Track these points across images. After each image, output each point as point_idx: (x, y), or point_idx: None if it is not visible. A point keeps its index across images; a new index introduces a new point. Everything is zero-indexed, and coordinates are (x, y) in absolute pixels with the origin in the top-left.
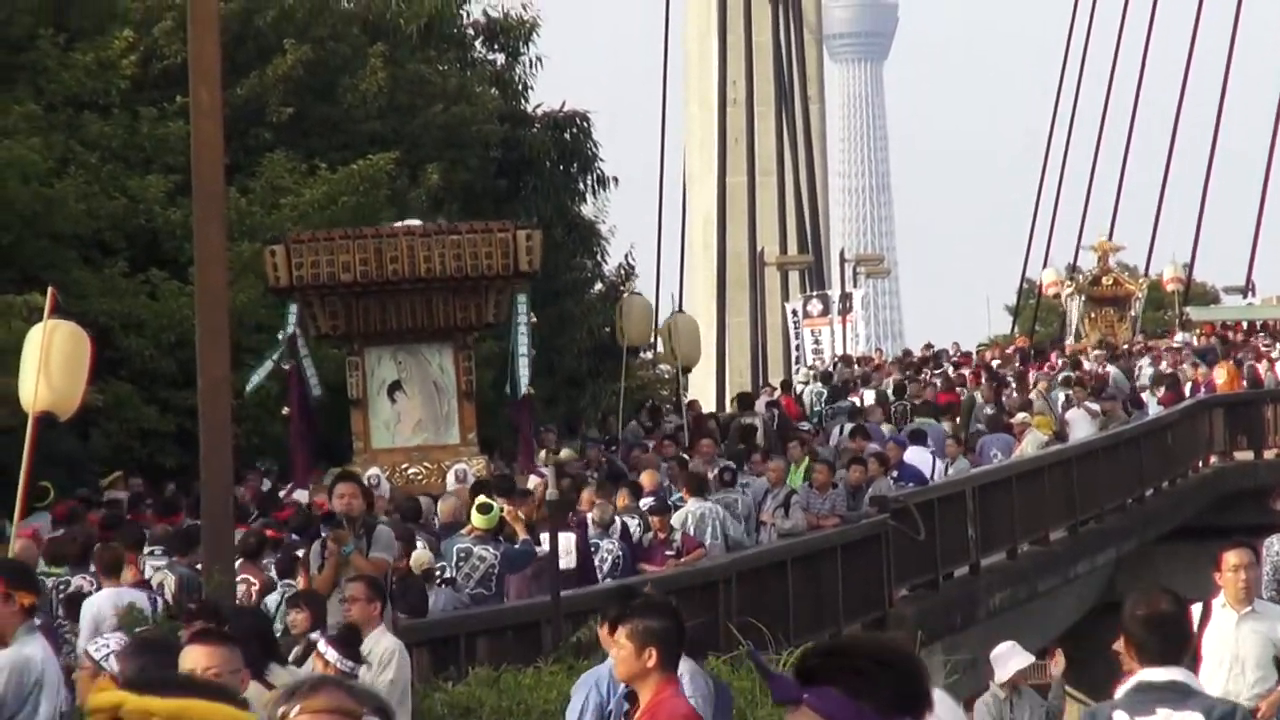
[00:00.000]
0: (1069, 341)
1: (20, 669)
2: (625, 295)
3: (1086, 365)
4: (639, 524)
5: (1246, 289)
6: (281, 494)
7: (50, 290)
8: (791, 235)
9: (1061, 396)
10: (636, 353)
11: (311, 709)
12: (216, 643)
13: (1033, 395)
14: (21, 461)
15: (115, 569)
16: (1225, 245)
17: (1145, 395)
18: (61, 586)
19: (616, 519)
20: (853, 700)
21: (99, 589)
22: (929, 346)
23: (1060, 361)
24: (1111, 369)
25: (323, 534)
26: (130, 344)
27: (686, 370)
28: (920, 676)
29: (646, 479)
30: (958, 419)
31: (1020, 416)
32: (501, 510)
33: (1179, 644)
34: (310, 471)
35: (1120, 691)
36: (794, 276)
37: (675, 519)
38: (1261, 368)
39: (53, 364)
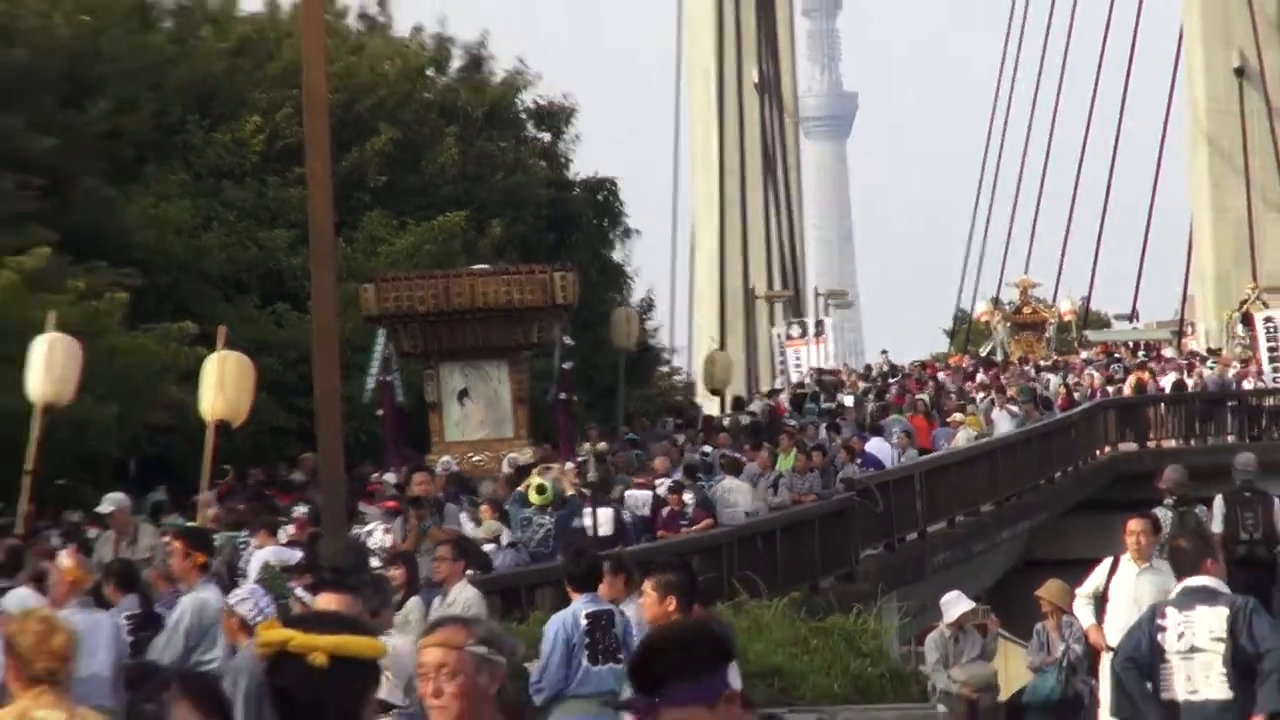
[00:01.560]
0: (998, 358)
1: (199, 609)
2: (615, 309)
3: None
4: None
5: (1132, 316)
6: (374, 477)
7: (221, 328)
8: (775, 275)
9: (985, 401)
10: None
11: (431, 642)
12: (345, 591)
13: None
14: (188, 455)
15: (273, 531)
16: (1116, 280)
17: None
18: (240, 545)
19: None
20: (690, 681)
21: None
22: (884, 352)
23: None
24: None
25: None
26: (262, 362)
27: (718, 393)
28: (710, 633)
29: (660, 464)
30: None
31: (955, 416)
32: (552, 486)
33: (1197, 566)
34: (399, 460)
35: (1171, 594)
36: (778, 307)
37: (717, 489)
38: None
39: (226, 383)
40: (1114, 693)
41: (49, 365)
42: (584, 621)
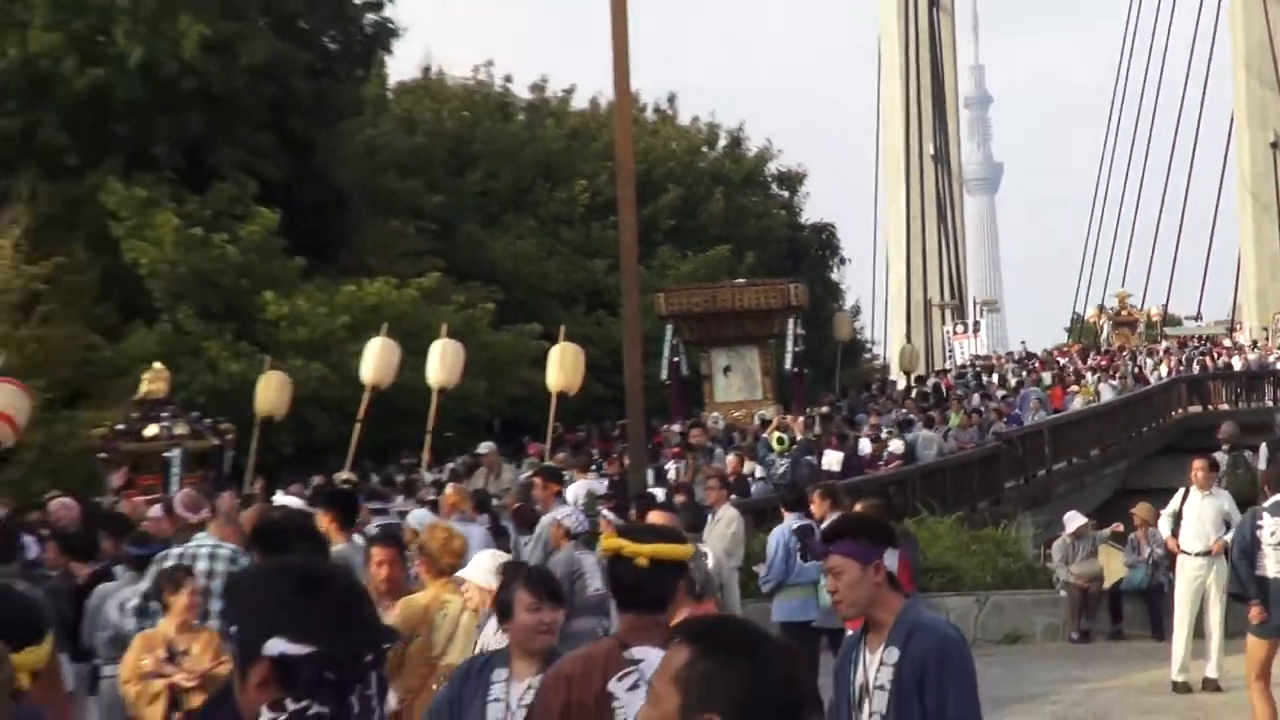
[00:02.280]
0: (1104, 348)
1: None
2: (835, 313)
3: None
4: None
5: (1198, 316)
6: (663, 429)
7: (562, 328)
8: (946, 289)
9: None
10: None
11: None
12: (668, 511)
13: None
14: (535, 417)
15: (586, 469)
16: (1186, 290)
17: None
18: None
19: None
20: (852, 541)
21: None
22: (1023, 343)
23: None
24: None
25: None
26: (588, 351)
27: (908, 373)
28: (883, 526)
29: (873, 421)
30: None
31: (1073, 387)
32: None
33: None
34: (683, 417)
35: (1265, 504)
36: (947, 312)
37: (917, 439)
38: (1209, 360)
39: (565, 366)
40: (1230, 573)
41: (442, 359)
42: (794, 532)
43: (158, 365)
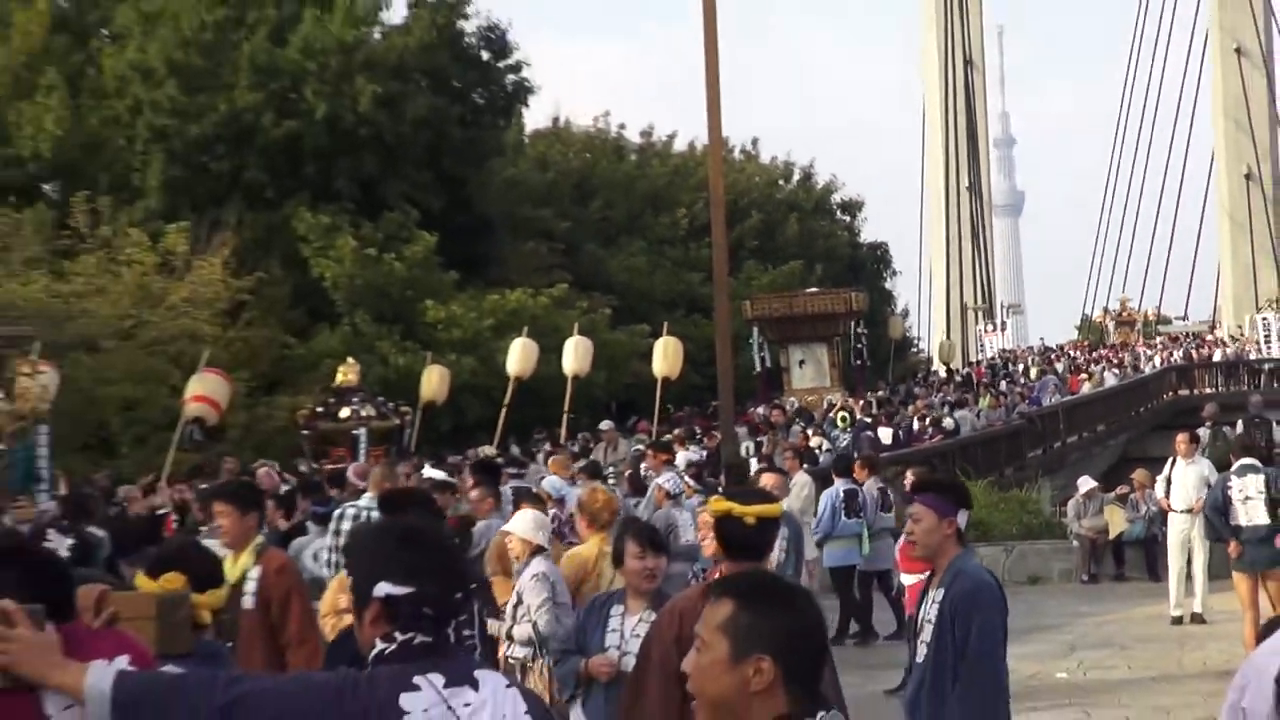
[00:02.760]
0: (1108, 343)
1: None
2: (889, 316)
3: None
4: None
5: (1185, 316)
6: (751, 410)
7: (665, 326)
8: (978, 294)
9: (1099, 367)
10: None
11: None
12: (777, 473)
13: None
14: (645, 401)
15: (685, 442)
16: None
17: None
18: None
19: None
20: (934, 495)
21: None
22: (1041, 339)
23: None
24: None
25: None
26: (687, 347)
27: (946, 364)
28: (963, 490)
29: (920, 403)
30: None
31: (1081, 375)
32: (850, 415)
33: (1251, 450)
34: (766, 400)
35: (1233, 468)
36: (980, 313)
37: (959, 418)
38: (1195, 352)
39: (668, 357)
40: (1206, 522)
41: (576, 353)
42: (841, 494)
43: (350, 359)
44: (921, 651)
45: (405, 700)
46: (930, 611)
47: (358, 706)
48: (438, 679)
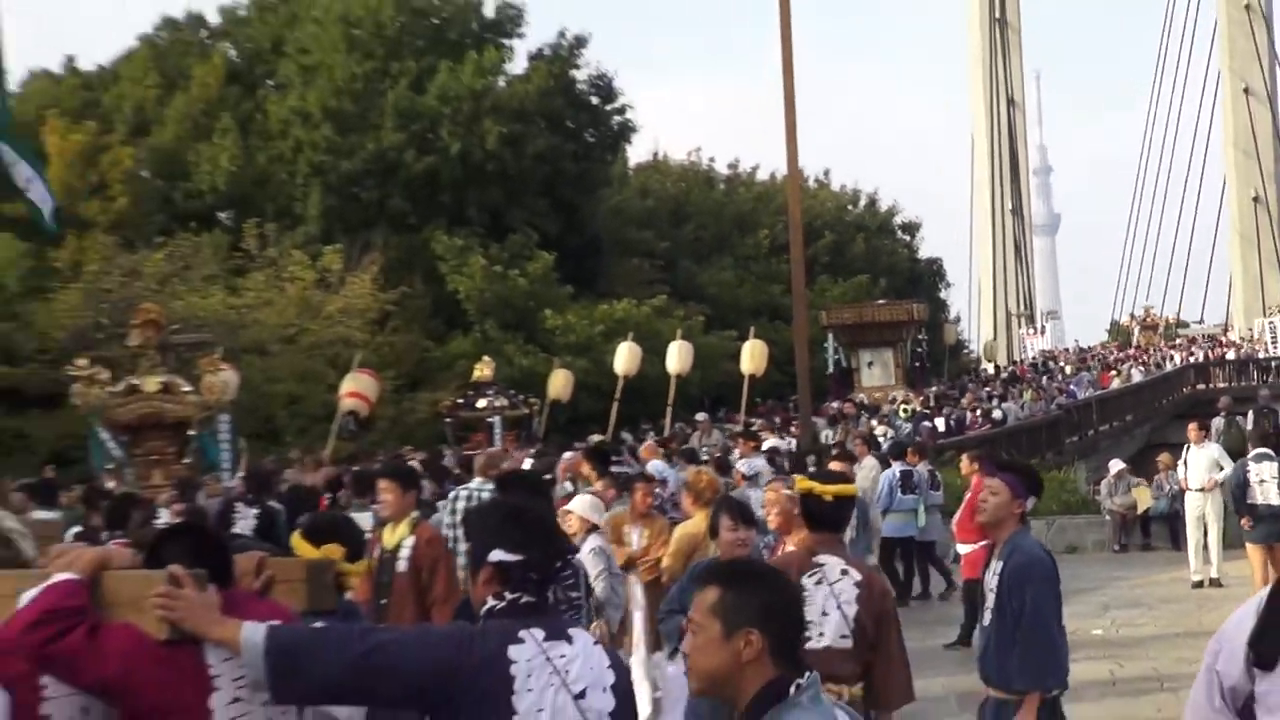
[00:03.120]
0: (1135, 344)
1: (750, 471)
2: (944, 323)
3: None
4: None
5: (1201, 320)
6: (825, 404)
7: (751, 329)
8: (1021, 302)
9: (1127, 366)
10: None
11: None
12: (847, 461)
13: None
14: (734, 395)
15: (771, 431)
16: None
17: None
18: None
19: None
20: (1012, 476)
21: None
22: (1076, 341)
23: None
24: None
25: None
26: (771, 350)
27: (992, 362)
28: (1038, 479)
29: (969, 398)
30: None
31: (1110, 372)
32: (911, 408)
33: (1266, 439)
34: (839, 396)
35: (1250, 455)
36: (1022, 319)
37: (1005, 409)
38: (1210, 352)
39: (755, 357)
40: (1231, 500)
41: (679, 355)
42: (898, 474)
43: (486, 358)
44: (987, 616)
45: (512, 651)
46: (991, 581)
47: (473, 655)
48: (539, 633)
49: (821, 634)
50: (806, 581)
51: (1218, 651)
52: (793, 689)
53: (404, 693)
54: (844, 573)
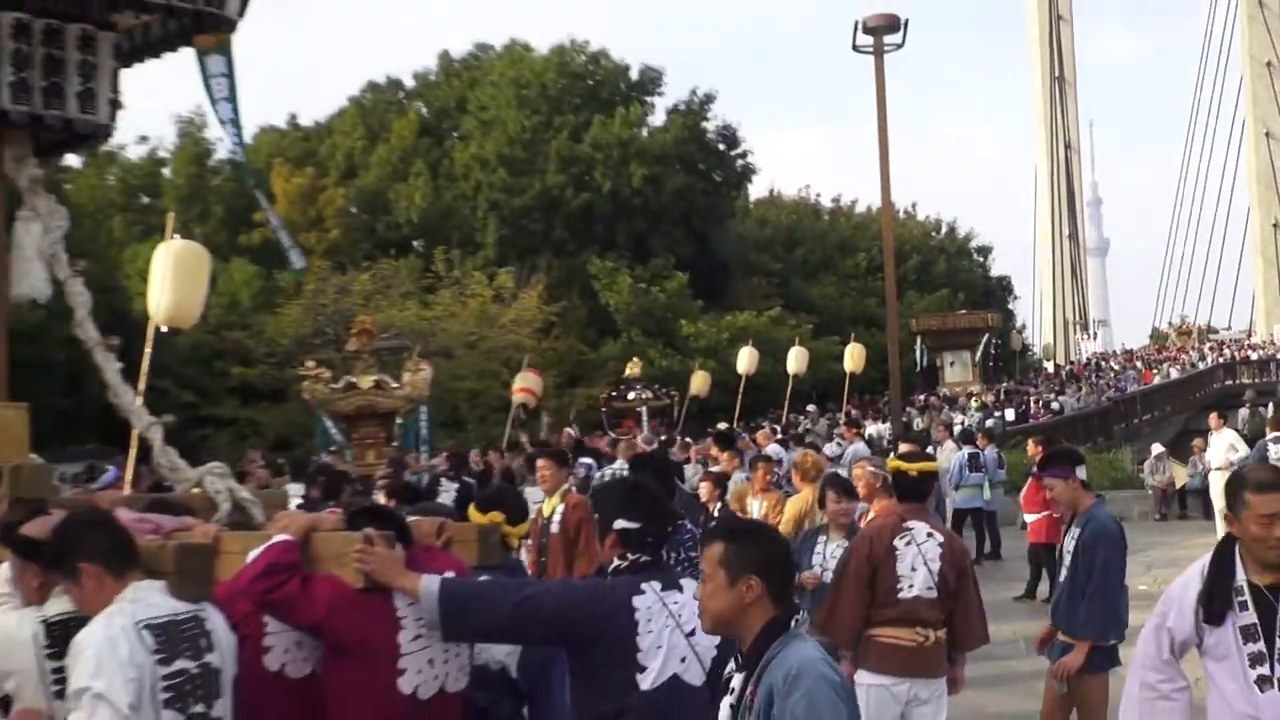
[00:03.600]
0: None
1: (853, 457)
2: (1010, 330)
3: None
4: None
5: (1229, 326)
6: (913, 397)
7: (851, 336)
8: (1076, 311)
9: (1166, 364)
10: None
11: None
12: (912, 443)
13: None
14: (833, 390)
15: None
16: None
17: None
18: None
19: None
20: (1058, 465)
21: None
22: (1123, 344)
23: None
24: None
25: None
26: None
27: (1052, 361)
28: (1072, 452)
29: (1033, 393)
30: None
31: (1151, 370)
32: (981, 400)
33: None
34: (926, 390)
35: (1269, 437)
36: (1077, 326)
37: (1062, 401)
38: (1236, 354)
39: (855, 357)
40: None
41: (796, 359)
42: (966, 456)
43: (635, 359)
44: (1063, 574)
45: (636, 600)
46: (1069, 545)
47: (605, 604)
48: (656, 585)
49: (911, 586)
50: (898, 543)
51: (1166, 612)
52: (793, 623)
53: (550, 634)
54: (929, 535)
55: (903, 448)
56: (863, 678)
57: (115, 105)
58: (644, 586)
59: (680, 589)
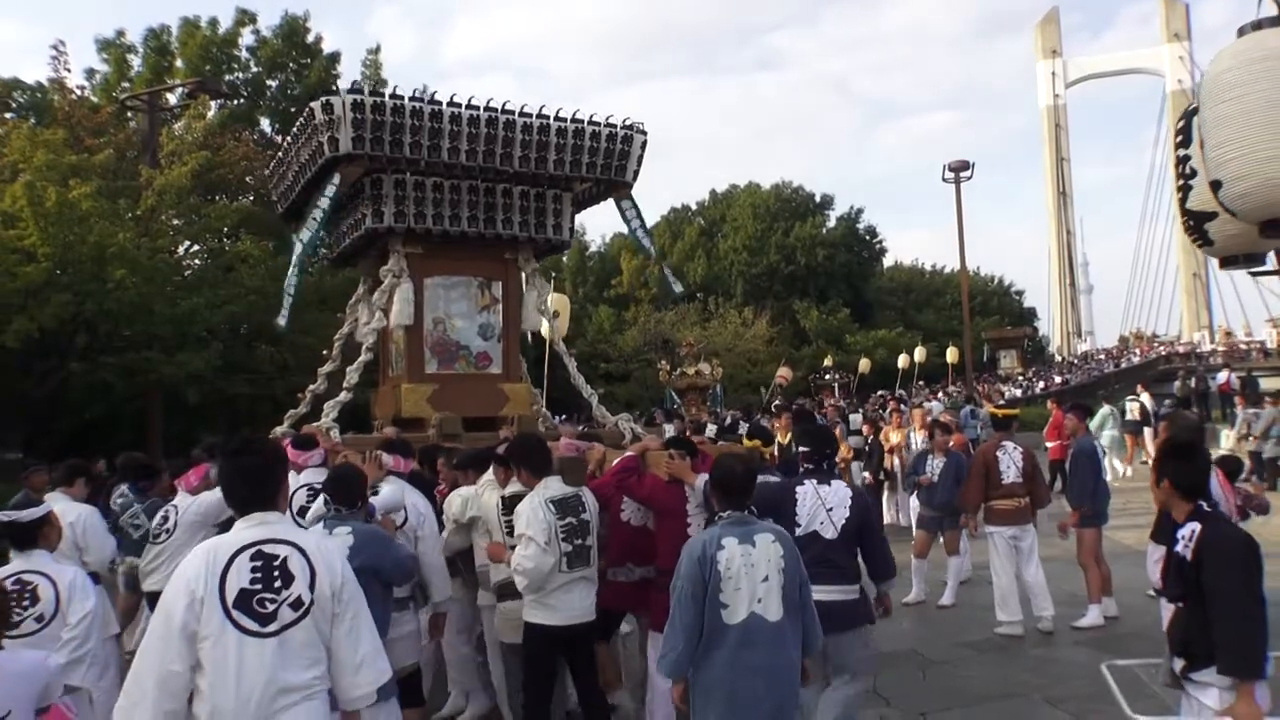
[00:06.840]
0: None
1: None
2: (1038, 340)
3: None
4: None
5: (1167, 331)
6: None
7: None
8: (1075, 326)
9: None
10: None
11: None
12: (970, 402)
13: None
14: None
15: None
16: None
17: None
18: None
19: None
20: (1076, 410)
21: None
22: (1102, 346)
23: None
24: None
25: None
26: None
27: (1059, 355)
28: (1084, 405)
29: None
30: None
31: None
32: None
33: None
34: (990, 373)
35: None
36: (1075, 335)
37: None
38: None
39: (951, 356)
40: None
41: (915, 357)
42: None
43: (829, 356)
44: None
45: (799, 491)
46: (1070, 458)
47: (788, 489)
48: (813, 482)
49: (1008, 475)
50: (999, 454)
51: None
52: (722, 516)
53: (760, 503)
54: (1015, 448)
55: (998, 404)
56: (987, 528)
57: (571, 230)
58: (806, 482)
59: (829, 484)
